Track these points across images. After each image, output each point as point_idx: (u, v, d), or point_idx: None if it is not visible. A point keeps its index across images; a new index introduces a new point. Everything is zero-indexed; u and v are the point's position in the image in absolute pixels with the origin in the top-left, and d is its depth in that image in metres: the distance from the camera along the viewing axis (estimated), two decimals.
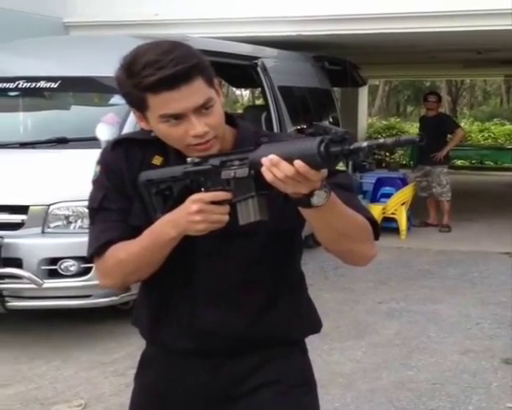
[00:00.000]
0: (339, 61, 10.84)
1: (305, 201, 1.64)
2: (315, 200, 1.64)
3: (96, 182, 1.95)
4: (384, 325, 6.16)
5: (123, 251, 1.86)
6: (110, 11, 9.66)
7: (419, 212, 10.90)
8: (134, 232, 1.87)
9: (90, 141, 5.67)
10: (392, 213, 10.13)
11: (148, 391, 2.06)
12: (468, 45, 12.22)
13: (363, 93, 19.71)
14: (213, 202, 1.72)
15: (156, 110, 1.76)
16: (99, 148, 5.46)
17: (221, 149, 1.82)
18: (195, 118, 1.75)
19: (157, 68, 1.71)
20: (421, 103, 27.43)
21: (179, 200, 1.80)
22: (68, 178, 5.79)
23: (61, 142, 6.01)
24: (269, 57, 8.64)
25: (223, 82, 20.25)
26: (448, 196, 10.67)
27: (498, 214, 11.91)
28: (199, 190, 1.78)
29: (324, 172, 1.61)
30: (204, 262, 1.90)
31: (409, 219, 10.43)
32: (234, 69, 8.58)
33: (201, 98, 1.75)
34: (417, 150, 11.21)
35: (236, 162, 1.74)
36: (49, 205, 5.63)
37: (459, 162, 19.92)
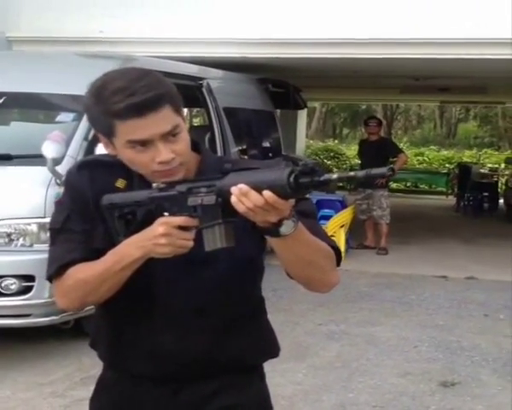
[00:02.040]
0: (282, 84, 10.96)
1: (274, 230, 1.66)
2: (283, 229, 1.66)
3: (59, 203, 1.96)
4: (324, 347, 6.23)
5: (83, 272, 1.86)
6: (55, 27, 9.56)
7: (356, 234, 11.06)
8: (96, 255, 1.86)
9: (35, 158, 5.62)
10: (332, 236, 10.23)
11: None
12: (407, 72, 12.49)
13: (303, 115, 19.90)
14: (180, 227, 1.74)
15: (123, 136, 1.77)
16: (44, 165, 5.51)
17: (185, 176, 1.83)
18: (162, 144, 1.76)
19: (127, 95, 1.73)
20: (357, 126, 27.95)
21: (143, 225, 1.81)
22: (12, 196, 5.71)
23: (5, 158, 5.92)
24: (214, 78, 8.68)
25: None
26: (388, 218, 10.86)
27: (433, 237, 12.17)
28: (163, 216, 1.79)
29: (292, 201, 1.63)
30: (164, 287, 1.90)
31: (347, 241, 10.57)
32: (179, 89, 8.59)
33: (169, 125, 1.77)
34: None
35: (203, 189, 1.75)
36: None
37: (394, 185, 20.30)
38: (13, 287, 5.48)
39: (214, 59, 9.34)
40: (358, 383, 5.40)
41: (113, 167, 1.91)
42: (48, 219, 2.07)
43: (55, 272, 1.89)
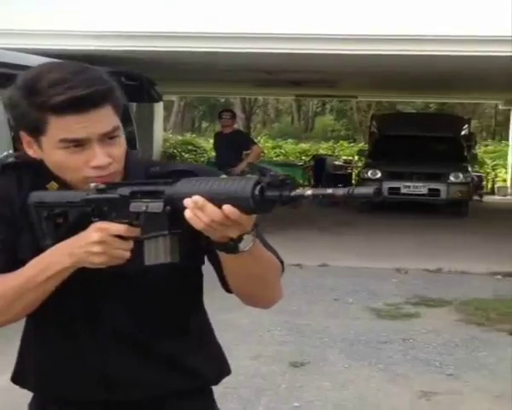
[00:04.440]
0: (135, 77, 10.89)
1: (232, 246, 1.47)
2: (242, 245, 1.47)
3: None
4: None
5: (2, 283, 1.62)
6: None
7: None
8: (18, 267, 1.63)
9: None
10: None
11: None
12: (258, 66, 12.75)
13: (159, 108, 19.90)
14: (118, 236, 1.54)
15: (56, 134, 1.57)
16: None
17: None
18: (99, 147, 1.57)
19: (66, 88, 1.53)
20: (215, 119, 28.11)
21: (75, 229, 1.60)
22: None
23: None
24: None
25: None
26: None
27: (290, 227, 12.48)
28: (100, 220, 1.58)
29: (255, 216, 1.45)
30: (104, 302, 1.69)
31: None
32: None
33: (110, 125, 1.59)
34: (214, 166, 11.53)
35: (148, 195, 1.54)
36: None
37: None
38: None
39: (66, 51, 9.19)
40: None
41: (43, 169, 1.68)
42: None
43: None
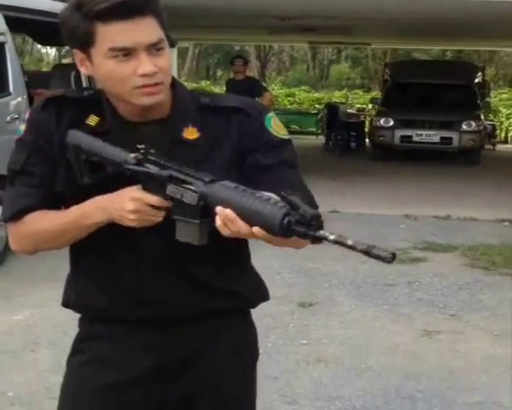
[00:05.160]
0: None
1: None
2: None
3: (20, 141, 1.79)
4: None
5: (45, 220, 1.75)
6: None
7: None
8: (56, 200, 1.77)
9: None
10: None
11: (100, 362, 1.88)
12: (272, 12, 12.73)
13: (173, 55, 19.86)
14: (151, 205, 1.63)
15: (105, 43, 1.63)
16: None
17: (161, 106, 1.72)
18: (146, 56, 1.63)
19: None
20: (230, 67, 28.00)
21: (112, 178, 1.69)
22: None
23: None
24: None
25: (26, 38, 19.55)
26: None
27: (304, 176, 12.57)
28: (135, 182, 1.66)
29: None
30: (143, 232, 1.72)
31: None
32: (40, 26, 8.47)
33: (155, 36, 1.65)
34: None
35: (185, 185, 1.61)
36: None
37: None
38: None
39: None
40: None
41: (84, 103, 1.77)
42: None
43: (12, 216, 1.77)
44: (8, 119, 6.77)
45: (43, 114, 1.76)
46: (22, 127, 1.79)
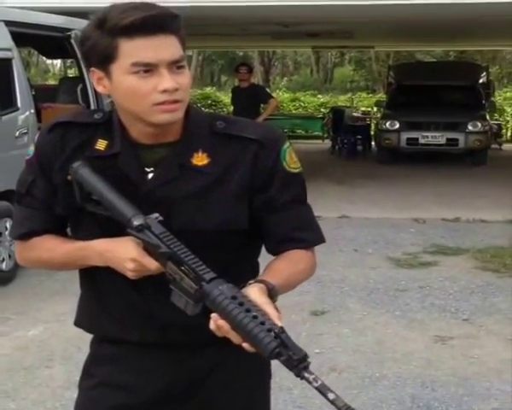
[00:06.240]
0: None
1: None
2: None
3: (28, 162, 1.82)
4: None
5: (46, 252, 1.81)
6: None
7: None
8: (58, 222, 1.82)
9: None
10: None
11: (109, 385, 1.89)
12: (275, 19, 12.73)
13: None
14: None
15: (128, 58, 1.63)
16: None
17: (171, 134, 1.73)
18: (167, 73, 1.64)
19: (136, 10, 1.62)
20: (234, 73, 28.05)
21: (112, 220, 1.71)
22: None
23: None
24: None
25: (32, 50, 19.61)
26: None
27: (308, 180, 12.52)
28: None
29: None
30: None
31: None
32: (46, 40, 8.50)
33: (177, 53, 1.66)
34: None
35: (184, 269, 1.61)
36: None
37: None
38: None
39: (77, 9, 9.11)
40: None
41: (92, 127, 1.77)
42: None
43: (18, 237, 1.85)
44: (17, 134, 6.78)
45: (48, 136, 1.79)
46: (32, 148, 1.82)
